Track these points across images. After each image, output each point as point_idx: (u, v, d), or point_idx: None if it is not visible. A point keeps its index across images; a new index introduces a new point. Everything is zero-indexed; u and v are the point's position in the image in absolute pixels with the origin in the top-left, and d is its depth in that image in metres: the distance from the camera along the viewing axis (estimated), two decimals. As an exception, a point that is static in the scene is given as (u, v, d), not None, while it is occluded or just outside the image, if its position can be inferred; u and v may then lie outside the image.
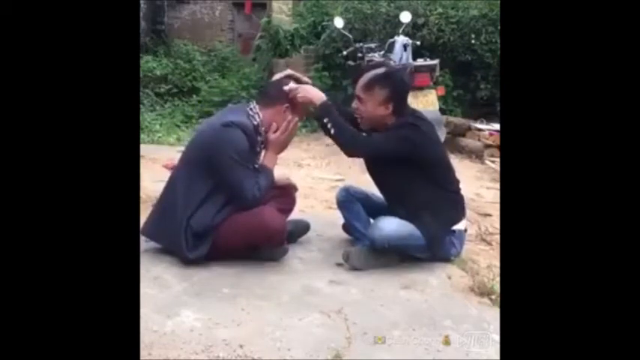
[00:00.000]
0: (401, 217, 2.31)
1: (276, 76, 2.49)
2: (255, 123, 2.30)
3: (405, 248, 2.33)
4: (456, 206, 2.41)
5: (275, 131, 2.33)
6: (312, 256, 2.43)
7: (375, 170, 2.46)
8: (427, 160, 2.32)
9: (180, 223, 2.22)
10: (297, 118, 2.38)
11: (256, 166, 2.32)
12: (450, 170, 2.43)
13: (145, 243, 2.35)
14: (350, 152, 2.40)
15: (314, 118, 2.38)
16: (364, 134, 2.38)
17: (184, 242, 2.22)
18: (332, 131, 2.30)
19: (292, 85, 2.34)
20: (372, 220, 2.50)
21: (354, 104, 2.44)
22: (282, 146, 2.39)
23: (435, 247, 2.34)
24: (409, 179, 2.31)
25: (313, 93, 2.36)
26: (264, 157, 2.38)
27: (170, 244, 2.29)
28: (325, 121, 2.31)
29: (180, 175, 2.32)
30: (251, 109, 2.33)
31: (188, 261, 2.23)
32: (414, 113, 2.43)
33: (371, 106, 2.35)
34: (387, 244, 2.25)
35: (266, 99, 2.38)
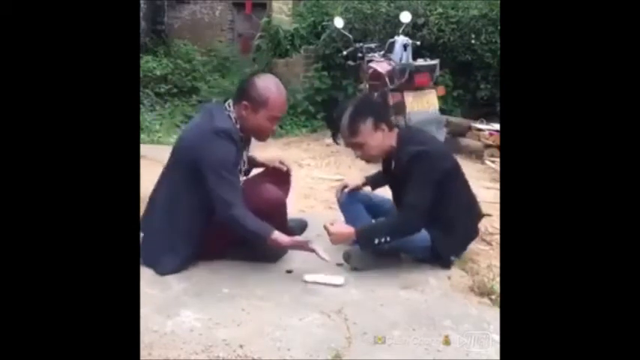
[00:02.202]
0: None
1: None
2: (237, 125, 2.24)
3: (409, 249, 2.33)
4: (475, 220, 2.43)
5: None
6: (312, 256, 2.42)
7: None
8: (446, 174, 2.28)
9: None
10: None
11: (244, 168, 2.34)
12: (464, 180, 2.40)
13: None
14: (415, 231, 2.24)
15: (360, 248, 2.28)
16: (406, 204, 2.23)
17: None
18: (388, 239, 2.19)
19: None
20: (373, 221, 2.50)
21: (356, 154, 2.38)
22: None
23: (445, 258, 2.35)
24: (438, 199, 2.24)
25: (344, 231, 2.26)
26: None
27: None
28: (377, 242, 2.19)
29: (166, 184, 2.27)
30: (226, 108, 2.27)
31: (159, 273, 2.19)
32: (409, 131, 2.44)
33: (369, 141, 2.30)
34: (391, 245, 2.25)
35: (235, 96, 2.30)
